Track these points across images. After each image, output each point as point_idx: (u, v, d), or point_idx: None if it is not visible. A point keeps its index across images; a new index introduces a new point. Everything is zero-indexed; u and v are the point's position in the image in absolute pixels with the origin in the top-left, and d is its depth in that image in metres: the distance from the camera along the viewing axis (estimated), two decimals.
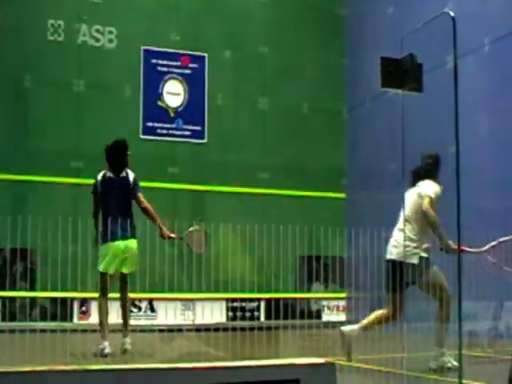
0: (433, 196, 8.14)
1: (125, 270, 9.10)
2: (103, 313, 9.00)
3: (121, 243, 8.98)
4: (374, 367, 7.83)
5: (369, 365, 7.96)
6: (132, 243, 9.10)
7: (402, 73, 5.27)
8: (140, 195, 9.20)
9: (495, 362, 8.53)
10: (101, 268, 9.05)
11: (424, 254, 8.07)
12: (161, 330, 13.53)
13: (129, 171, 9.30)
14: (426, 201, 8.06)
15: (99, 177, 9.36)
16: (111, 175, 9.28)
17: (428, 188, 8.23)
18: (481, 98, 13.58)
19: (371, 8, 17.29)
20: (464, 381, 5.36)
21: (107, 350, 8.61)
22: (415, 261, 7.97)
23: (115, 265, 9.02)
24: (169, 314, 15.03)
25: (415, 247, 8.04)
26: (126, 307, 9.24)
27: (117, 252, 9.00)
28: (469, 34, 13.28)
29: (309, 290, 16.93)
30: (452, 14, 5.39)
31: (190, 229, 9.42)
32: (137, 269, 9.33)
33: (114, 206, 9.08)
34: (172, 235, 9.27)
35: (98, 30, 16.38)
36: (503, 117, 13.19)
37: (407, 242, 7.95)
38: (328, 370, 2.95)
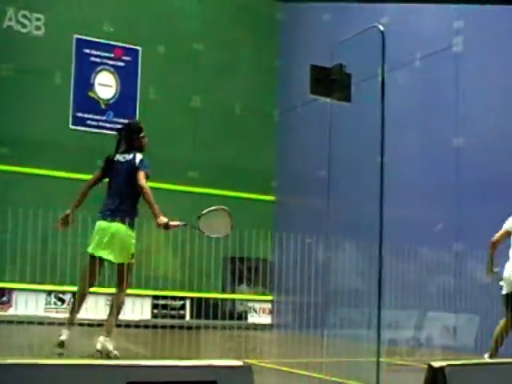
0: None
1: (112, 258, 8.10)
2: (77, 297, 8.19)
3: (104, 223, 8.14)
4: (294, 370, 7.89)
5: (288, 368, 8.02)
6: (118, 227, 8.12)
7: (331, 82, 5.33)
8: (141, 174, 8.36)
9: (413, 370, 8.68)
10: (89, 249, 8.15)
11: None
12: (80, 324, 13.35)
13: (138, 154, 8.57)
14: None
15: (108, 157, 8.82)
16: (118, 157, 8.69)
17: None
18: (411, 112, 13.84)
19: (307, 14, 17.44)
20: None
21: (62, 337, 7.76)
22: None
23: (102, 249, 8.09)
24: (93, 308, 14.86)
25: None
26: (113, 305, 8.45)
27: (99, 231, 8.15)
28: (401, 49, 13.56)
29: (235, 291, 16.96)
30: (382, 28, 5.48)
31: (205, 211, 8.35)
32: (130, 261, 8.28)
33: (114, 188, 8.41)
34: (174, 223, 8.33)
35: (25, 16, 16.09)
36: (431, 131, 13.47)
37: None
38: (245, 372, 2.96)
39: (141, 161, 8.52)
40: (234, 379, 2.92)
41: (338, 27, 15.12)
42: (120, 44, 16.98)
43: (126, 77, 17.01)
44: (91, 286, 8.25)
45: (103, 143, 16.48)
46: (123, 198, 8.40)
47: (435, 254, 11.75)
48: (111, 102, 16.87)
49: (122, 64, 17.01)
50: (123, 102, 16.92)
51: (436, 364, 2.93)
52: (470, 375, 3.08)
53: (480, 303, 11.26)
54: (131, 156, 8.57)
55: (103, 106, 16.79)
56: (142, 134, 8.74)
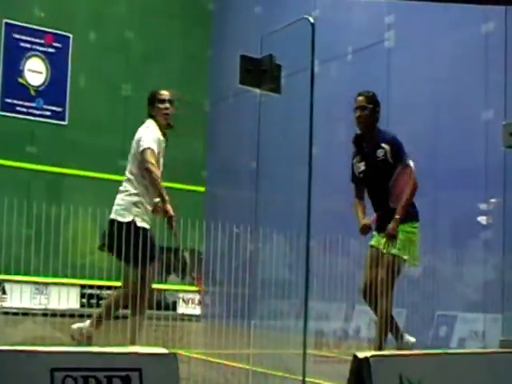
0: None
1: None
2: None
3: None
4: (221, 361, 7.93)
5: (216, 358, 8.05)
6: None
7: (261, 72, 5.34)
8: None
9: (340, 361, 8.80)
10: None
11: None
12: (6, 313, 13.20)
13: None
14: None
15: None
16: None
17: None
18: (342, 105, 13.96)
19: (239, 4, 17.50)
20: (307, 379, 5.50)
21: None
22: None
23: None
24: (20, 297, 14.67)
25: None
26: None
27: None
28: (333, 42, 13.68)
29: (165, 281, 16.91)
30: (312, 20, 5.51)
31: None
32: None
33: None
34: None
35: None
36: None
37: None
38: (170, 360, 2.98)
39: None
40: (159, 367, 2.94)
41: (269, 19, 15.17)
42: (51, 30, 16.72)
43: (57, 63, 16.78)
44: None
45: (32, 130, 16.28)
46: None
47: (364, 247, 11.91)
48: (41, 88, 16.62)
49: (52, 50, 16.77)
50: (53, 89, 16.68)
51: (361, 354, 2.99)
52: (395, 365, 3.15)
53: (408, 297, 11.46)
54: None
55: (33, 93, 16.54)
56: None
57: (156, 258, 7.30)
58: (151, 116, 7.62)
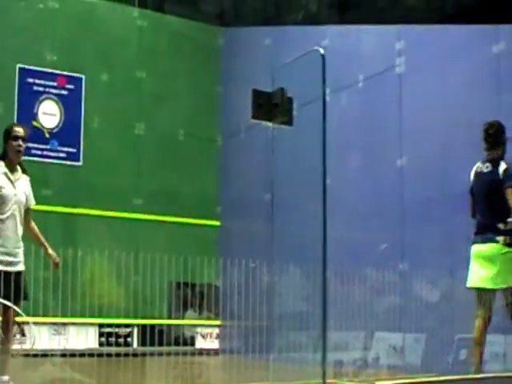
0: None
1: None
2: None
3: None
4: None
5: None
6: None
7: (273, 106, 5.38)
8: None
9: None
10: None
11: None
12: (26, 355, 13.17)
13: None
14: None
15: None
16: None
17: None
18: (354, 134, 13.99)
19: (247, 39, 17.57)
20: None
21: None
22: None
23: None
24: (39, 338, 14.66)
25: None
26: None
27: None
28: (344, 71, 13.72)
29: (182, 317, 16.88)
30: (322, 51, 5.56)
31: None
32: None
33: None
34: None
35: None
36: (375, 152, 13.61)
37: None
38: None
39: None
40: None
41: (278, 51, 15.25)
42: (63, 72, 16.90)
43: (70, 105, 16.92)
44: None
45: (47, 172, 16.38)
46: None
47: (381, 275, 11.85)
48: (55, 130, 16.76)
49: (65, 92, 16.92)
50: (67, 130, 16.82)
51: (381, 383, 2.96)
52: None
53: (426, 323, 11.37)
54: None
55: (47, 135, 16.67)
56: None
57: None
58: (4, 152, 7.82)
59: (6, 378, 7.34)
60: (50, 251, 7.85)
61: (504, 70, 11.03)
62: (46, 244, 7.94)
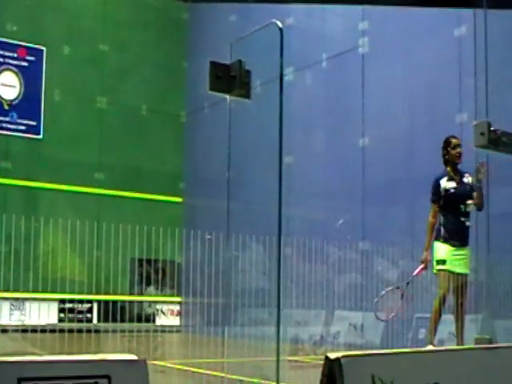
0: None
1: None
2: None
3: None
4: (197, 370, 7.89)
5: (192, 368, 8.01)
6: None
7: (231, 78, 5.33)
8: None
9: (315, 366, 8.76)
10: None
11: None
12: None
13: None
14: None
15: None
16: None
17: None
18: (317, 112, 13.99)
19: (213, 14, 17.46)
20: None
21: None
22: None
23: None
24: None
25: None
26: None
27: None
28: (308, 49, 13.69)
29: (144, 293, 16.83)
30: (280, 24, 5.50)
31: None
32: None
33: None
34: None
35: None
36: (338, 131, 13.64)
37: None
38: (140, 367, 2.93)
39: None
40: (129, 373, 2.89)
41: (243, 28, 15.16)
42: (24, 43, 16.62)
43: (30, 77, 16.65)
44: None
45: (6, 145, 16.16)
46: None
47: (342, 253, 11.90)
48: (15, 102, 16.50)
49: (25, 64, 16.65)
50: (27, 103, 16.57)
51: (332, 355, 2.96)
52: (367, 365, 3.12)
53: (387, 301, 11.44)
54: None
55: (6, 107, 16.41)
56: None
57: None
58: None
59: None
60: None
61: (465, 53, 11.11)
62: None
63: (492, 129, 6.40)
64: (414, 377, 3.15)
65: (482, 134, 6.36)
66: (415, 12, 12.08)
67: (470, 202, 7.72)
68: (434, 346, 7.72)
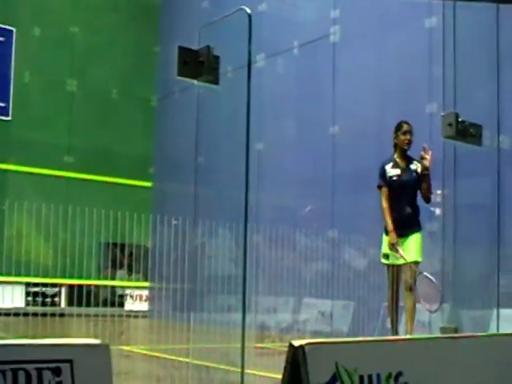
0: None
1: None
2: None
3: None
4: (163, 355, 7.89)
5: (158, 353, 8.01)
6: None
7: (199, 63, 5.29)
8: None
9: (282, 353, 8.80)
10: None
11: None
12: None
13: None
14: None
15: None
16: None
17: None
18: (288, 99, 14.00)
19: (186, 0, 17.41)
20: (248, 371, 5.50)
21: None
22: None
23: None
24: None
25: None
26: None
27: None
28: (279, 36, 13.69)
29: (112, 278, 16.74)
30: (248, 10, 5.48)
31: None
32: None
33: None
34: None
35: None
36: (308, 119, 13.66)
37: None
38: (102, 351, 2.91)
39: None
40: (91, 358, 2.87)
41: (215, 14, 15.12)
42: None
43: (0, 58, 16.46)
44: None
45: None
46: None
47: (309, 240, 11.94)
48: None
49: None
50: None
51: (296, 342, 2.96)
52: (331, 353, 3.13)
53: (354, 290, 11.51)
54: None
55: None
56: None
57: None
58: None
59: None
60: None
61: (435, 44, 11.18)
62: None
63: (460, 120, 6.44)
64: (378, 365, 3.16)
65: (450, 124, 6.39)
66: (387, 2, 12.12)
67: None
68: (398, 334, 7.75)
